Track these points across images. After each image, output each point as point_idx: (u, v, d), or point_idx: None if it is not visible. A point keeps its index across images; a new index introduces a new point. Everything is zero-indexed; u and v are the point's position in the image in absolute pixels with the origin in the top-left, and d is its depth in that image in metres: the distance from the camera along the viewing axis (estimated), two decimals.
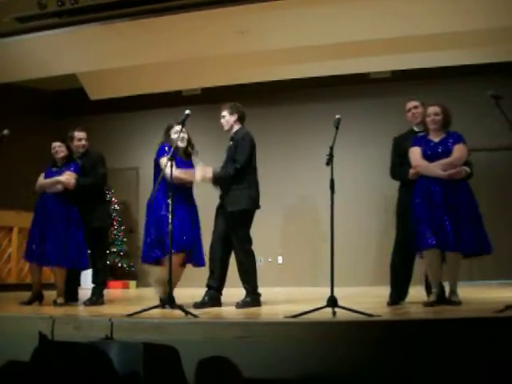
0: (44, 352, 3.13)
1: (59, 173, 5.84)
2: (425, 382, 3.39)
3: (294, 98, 9.63)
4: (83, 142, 6.10)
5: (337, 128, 4.59)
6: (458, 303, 4.85)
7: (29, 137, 9.30)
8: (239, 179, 5.38)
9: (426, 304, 4.88)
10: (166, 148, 5.31)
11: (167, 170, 4.95)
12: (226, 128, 5.59)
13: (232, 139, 5.53)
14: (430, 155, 5.01)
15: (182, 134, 5.27)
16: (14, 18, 7.57)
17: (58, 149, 5.90)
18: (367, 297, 6.30)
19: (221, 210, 5.51)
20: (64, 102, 10.87)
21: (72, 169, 5.88)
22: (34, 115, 10.42)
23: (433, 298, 4.93)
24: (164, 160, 5.16)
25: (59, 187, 5.77)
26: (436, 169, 4.94)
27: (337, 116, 4.63)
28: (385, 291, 5.41)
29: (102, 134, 10.46)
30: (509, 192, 8.86)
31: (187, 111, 5.00)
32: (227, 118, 5.56)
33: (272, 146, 9.44)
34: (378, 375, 3.39)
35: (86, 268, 6.01)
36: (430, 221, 4.86)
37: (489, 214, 8.69)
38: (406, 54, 8.18)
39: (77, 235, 5.74)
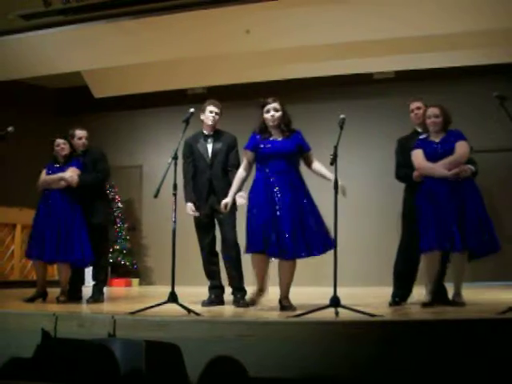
0: (47, 349, 3.14)
1: (62, 169, 5.85)
2: (427, 383, 3.39)
3: (296, 97, 9.60)
4: (83, 141, 6.10)
5: (341, 128, 4.58)
6: (462, 304, 4.85)
7: (32, 134, 9.31)
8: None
9: (424, 305, 4.90)
10: (258, 137, 4.95)
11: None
12: (213, 125, 5.59)
13: (217, 139, 5.58)
14: (433, 156, 4.99)
15: (272, 112, 4.89)
16: (19, 16, 7.58)
17: (63, 146, 5.90)
18: (369, 297, 6.30)
19: (209, 214, 5.54)
20: (68, 99, 10.89)
21: (74, 164, 5.89)
22: (38, 113, 10.42)
23: (428, 299, 4.94)
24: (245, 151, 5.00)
25: (62, 183, 5.78)
26: (440, 169, 4.92)
27: (341, 116, 4.62)
28: (387, 291, 5.41)
29: (105, 132, 10.48)
30: (511, 193, 8.84)
31: (192, 109, 5.00)
32: (218, 118, 5.60)
33: None
34: (381, 375, 3.39)
35: (88, 265, 5.99)
36: (435, 223, 4.84)
37: (491, 215, 8.76)
38: (410, 54, 8.18)
39: (80, 232, 5.75)
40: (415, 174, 5.08)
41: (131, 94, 9.87)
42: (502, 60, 8.06)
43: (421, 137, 5.19)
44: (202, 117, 5.61)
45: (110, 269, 9.81)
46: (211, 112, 5.56)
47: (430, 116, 5.05)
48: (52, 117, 10.53)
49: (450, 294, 5.11)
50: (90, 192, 5.95)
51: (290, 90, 9.48)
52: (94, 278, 6.12)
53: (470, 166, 4.96)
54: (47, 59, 8.39)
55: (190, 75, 9.29)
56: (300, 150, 4.93)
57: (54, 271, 6.24)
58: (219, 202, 5.20)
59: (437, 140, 5.06)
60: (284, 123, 4.94)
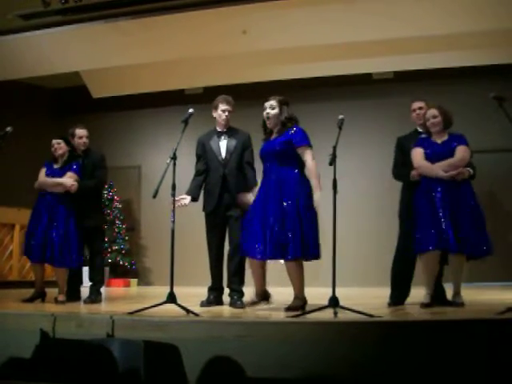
0: (45, 349, 3.13)
1: (61, 172, 5.82)
2: (425, 383, 3.39)
3: (296, 97, 9.50)
4: (84, 140, 6.07)
5: (340, 128, 4.57)
6: (461, 305, 4.84)
7: (31, 134, 9.32)
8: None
9: (423, 305, 4.88)
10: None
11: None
12: (226, 123, 5.55)
13: (231, 137, 5.52)
14: (432, 156, 5.00)
15: (268, 110, 4.83)
16: (18, 16, 7.58)
17: (57, 146, 5.87)
18: (367, 297, 6.30)
19: (221, 213, 5.48)
20: (66, 99, 10.88)
21: (74, 168, 5.85)
22: (37, 113, 10.43)
23: (426, 299, 4.92)
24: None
25: (60, 188, 5.76)
26: (438, 169, 4.92)
27: (340, 116, 4.61)
28: (385, 292, 5.41)
29: (104, 133, 10.48)
30: (509, 194, 8.84)
31: (191, 110, 4.98)
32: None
33: None
34: (379, 375, 3.39)
35: (77, 267, 5.92)
36: (431, 223, 4.84)
37: (490, 216, 8.75)
38: (409, 55, 8.19)
39: (71, 237, 5.73)
40: (413, 172, 5.08)
41: (129, 94, 9.88)
42: (502, 61, 8.08)
43: (423, 136, 5.19)
44: (215, 114, 5.53)
45: (108, 269, 9.83)
46: (224, 111, 5.47)
47: (429, 118, 5.07)
48: (50, 117, 10.53)
49: (449, 294, 5.11)
50: (86, 195, 5.94)
51: (287, 91, 9.41)
52: (91, 278, 6.10)
53: (468, 169, 4.97)
54: (46, 59, 8.40)
55: (188, 75, 9.30)
56: (291, 146, 4.75)
57: (52, 271, 6.22)
58: (233, 199, 5.21)
59: (439, 141, 5.07)
60: (281, 121, 4.84)
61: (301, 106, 9.69)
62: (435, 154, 5.00)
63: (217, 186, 5.40)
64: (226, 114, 5.48)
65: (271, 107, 4.85)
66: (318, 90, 9.47)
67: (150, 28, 7.54)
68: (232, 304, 5.26)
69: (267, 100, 4.90)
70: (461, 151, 4.97)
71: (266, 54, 8.35)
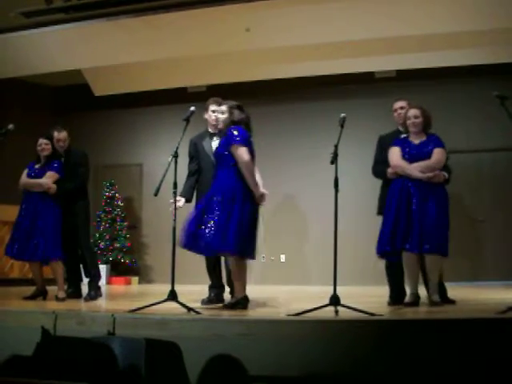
0: (46, 347, 3.13)
1: (42, 171, 5.82)
2: (425, 382, 3.39)
3: (298, 96, 9.62)
4: (61, 144, 6.05)
5: (342, 126, 4.58)
6: (436, 304, 4.83)
7: (33, 132, 9.26)
8: None
9: (406, 304, 4.91)
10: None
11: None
12: (217, 124, 5.55)
13: (222, 136, 5.52)
14: (409, 157, 5.03)
15: (218, 115, 4.95)
16: (21, 13, 7.57)
17: (45, 146, 5.86)
18: (368, 296, 6.31)
19: None
20: (68, 97, 10.87)
21: (54, 167, 5.83)
22: (39, 110, 10.42)
23: (409, 299, 4.95)
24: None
25: (40, 189, 5.76)
26: (415, 170, 4.95)
27: (342, 114, 4.62)
28: (385, 291, 5.42)
29: (106, 131, 10.50)
30: (511, 192, 8.83)
31: (192, 108, 4.99)
32: (222, 116, 5.56)
33: (276, 145, 9.44)
34: (379, 374, 3.39)
35: (59, 259, 5.80)
36: (394, 223, 4.92)
37: (491, 215, 8.78)
38: (411, 53, 8.18)
39: (50, 232, 5.68)
40: (389, 170, 5.12)
41: (132, 92, 9.87)
42: (504, 60, 8.07)
43: (402, 136, 5.20)
44: (206, 116, 5.60)
45: (109, 267, 9.85)
46: (213, 111, 5.52)
47: (410, 117, 5.08)
48: (51, 115, 10.51)
49: (451, 293, 5.12)
50: (72, 193, 5.94)
51: (290, 89, 9.49)
52: (86, 274, 6.11)
53: (444, 173, 5.01)
54: (48, 57, 8.40)
55: (191, 73, 9.30)
56: (226, 147, 4.79)
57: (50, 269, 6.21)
58: None
59: (416, 142, 5.09)
60: (227, 125, 4.88)
61: (302, 104, 9.76)
62: (411, 154, 5.03)
63: (209, 185, 5.42)
64: (216, 114, 5.49)
65: (221, 112, 4.92)
66: (320, 88, 9.46)
67: (152, 26, 7.53)
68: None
69: (220, 104, 4.97)
70: (437, 154, 5.01)
71: (268, 53, 8.35)
